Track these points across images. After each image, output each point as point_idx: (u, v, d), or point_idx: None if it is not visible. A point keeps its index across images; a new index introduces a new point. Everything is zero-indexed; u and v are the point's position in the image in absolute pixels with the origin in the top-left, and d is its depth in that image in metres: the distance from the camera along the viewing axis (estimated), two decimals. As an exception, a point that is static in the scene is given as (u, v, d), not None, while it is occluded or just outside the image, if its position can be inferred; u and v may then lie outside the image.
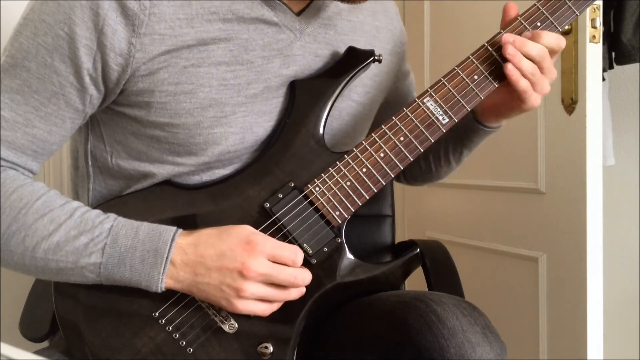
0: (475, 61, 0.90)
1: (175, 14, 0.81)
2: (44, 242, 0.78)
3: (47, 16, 0.79)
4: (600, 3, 1.41)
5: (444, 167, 1.16)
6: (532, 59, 0.88)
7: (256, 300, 0.81)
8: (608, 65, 1.80)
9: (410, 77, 1.16)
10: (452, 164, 1.14)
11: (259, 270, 0.79)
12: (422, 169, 1.18)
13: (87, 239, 0.79)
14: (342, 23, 0.97)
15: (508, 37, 0.88)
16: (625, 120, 2.04)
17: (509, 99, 0.93)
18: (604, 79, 1.71)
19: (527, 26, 0.90)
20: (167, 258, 0.79)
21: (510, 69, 0.88)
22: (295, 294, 0.84)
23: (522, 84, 0.89)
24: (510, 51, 0.87)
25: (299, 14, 0.91)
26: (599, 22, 1.40)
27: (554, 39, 0.89)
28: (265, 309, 0.82)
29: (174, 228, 0.81)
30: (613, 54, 1.80)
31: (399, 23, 1.11)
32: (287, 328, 0.87)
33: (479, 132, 1.04)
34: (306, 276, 0.83)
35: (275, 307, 0.83)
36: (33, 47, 0.79)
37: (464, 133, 1.06)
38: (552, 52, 0.90)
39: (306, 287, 0.85)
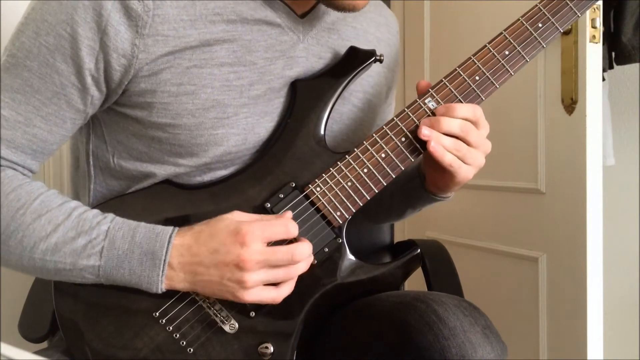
0: (476, 62, 0.90)
1: (179, 15, 0.81)
2: (42, 243, 0.78)
3: (50, 16, 0.79)
4: (600, 3, 1.42)
5: (385, 214, 1.13)
6: (454, 134, 0.87)
7: (263, 287, 0.80)
8: (608, 65, 1.80)
9: (390, 105, 1.13)
10: (392, 215, 1.13)
11: (255, 258, 0.78)
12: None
13: (85, 240, 0.79)
14: (345, 29, 0.97)
15: (424, 121, 0.87)
16: (625, 120, 2.04)
17: (442, 173, 0.91)
18: (604, 79, 1.71)
19: (529, 27, 0.90)
20: (164, 261, 0.78)
21: (432, 146, 0.86)
22: (302, 267, 0.82)
23: (447, 158, 0.87)
24: (425, 132, 0.86)
25: (302, 16, 0.91)
26: (599, 22, 1.40)
27: (468, 111, 0.87)
28: (275, 296, 0.81)
29: (170, 229, 0.80)
30: (613, 54, 1.80)
31: (398, 41, 1.10)
32: (287, 328, 0.86)
33: (428, 200, 1.01)
34: (304, 248, 0.82)
35: (285, 290, 0.82)
36: (35, 46, 0.79)
37: (413, 197, 1.03)
38: (473, 122, 0.88)
39: (306, 287, 0.85)
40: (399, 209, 1.09)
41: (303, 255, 0.81)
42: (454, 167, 0.87)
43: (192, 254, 0.79)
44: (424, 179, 0.98)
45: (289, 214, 0.84)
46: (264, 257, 0.79)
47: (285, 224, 0.81)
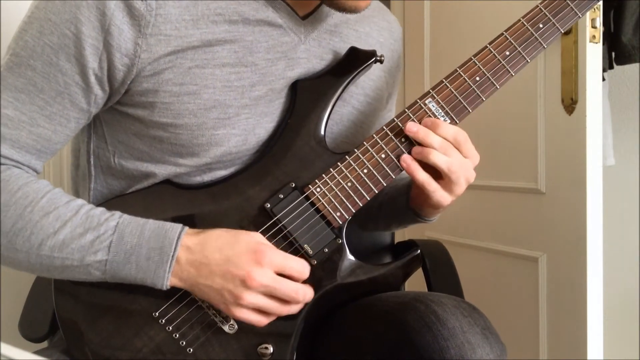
0: (477, 62, 0.90)
1: (181, 15, 0.81)
2: (50, 240, 0.78)
3: (53, 15, 0.79)
4: (600, 3, 1.41)
5: (372, 222, 1.13)
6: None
7: (253, 311, 0.81)
8: (608, 65, 1.80)
9: (390, 112, 1.13)
10: (379, 225, 1.12)
11: (262, 281, 0.78)
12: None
13: (93, 236, 0.79)
14: (348, 32, 0.97)
15: (411, 127, 0.86)
16: (625, 120, 2.05)
17: (420, 192, 0.91)
18: (604, 79, 1.71)
19: (530, 28, 0.90)
20: (172, 256, 0.79)
21: (404, 160, 0.86)
22: (295, 308, 0.83)
23: (420, 176, 0.86)
24: (416, 149, 0.86)
25: (304, 18, 0.91)
26: (599, 22, 1.40)
27: (448, 132, 0.87)
28: (260, 320, 0.82)
29: (179, 226, 0.81)
30: (613, 54, 1.80)
31: (400, 47, 1.10)
32: (287, 328, 0.87)
33: (410, 218, 1.01)
34: (308, 293, 0.83)
35: (271, 319, 0.82)
36: (38, 45, 0.79)
37: (399, 213, 1.03)
38: (454, 143, 0.87)
39: None
40: (385, 222, 1.09)
41: (306, 298, 0.83)
42: (428, 189, 0.87)
43: (203, 256, 0.79)
44: (409, 196, 0.98)
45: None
46: (272, 284, 0.79)
47: (303, 265, 0.83)
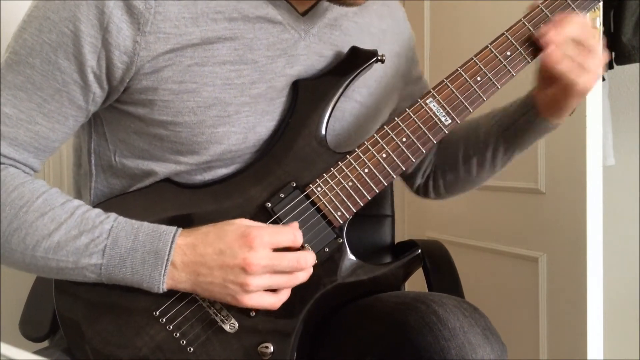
0: (478, 62, 0.90)
1: (181, 13, 0.81)
2: (45, 241, 0.78)
3: (52, 13, 0.79)
4: (600, 3, 1.41)
5: (488, 171, 1.11)
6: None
7: (263, 293, 0.80)
8: (608, 65, 1.80)
9: (422, 82, 1.13)
10: (497, 167, 1.10)
11: (261, 262, 0.78)
12: (460, 176, 1.13)
13: (88, 239, 0.79)
14: (348, 24, 0.97)
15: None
16: (625, 120, 2.04)
17: (561, 88, 0.91)
18: (604, 79, 1.71)
19: (531, 28, 0.90)
20: (167, 260, 0.78)
21: (549, 52, 0.87)
22: (302, 276, 0.83)
23: (564, 65, 0.87)
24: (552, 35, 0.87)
25: (304, 14, 0.91)
26: (599, 22, 1.40)
27: (576, 29, 0.88)
28: (274, 302, 0.81)
29: (173, 228, 0.81)
30: (613, 54, 1.80)
31: (407, 27, 1.10)
32: (287, 327, 0.86)
33: (544, 131, 1.01)
34: (309, 257, 0.82)
35: (283, 297, 0.82)
36: (37, 43, 0.79)
37: (524, 134, 1.02)
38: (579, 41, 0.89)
39: (307, 287, 0.84)
40: (506, 156, 1.07)
41: (307, 263, 0.82)
42: (572, 73, 0.88)
43: (197, 254, 0.79)
44: (536, 109, 0.98)
45: (296, 224, 0.84)
46: (270, 262, 0.79)
47: (292, 232, 0.82)
